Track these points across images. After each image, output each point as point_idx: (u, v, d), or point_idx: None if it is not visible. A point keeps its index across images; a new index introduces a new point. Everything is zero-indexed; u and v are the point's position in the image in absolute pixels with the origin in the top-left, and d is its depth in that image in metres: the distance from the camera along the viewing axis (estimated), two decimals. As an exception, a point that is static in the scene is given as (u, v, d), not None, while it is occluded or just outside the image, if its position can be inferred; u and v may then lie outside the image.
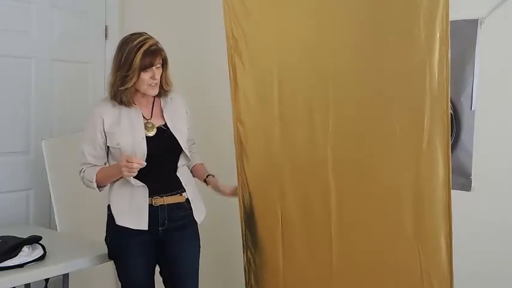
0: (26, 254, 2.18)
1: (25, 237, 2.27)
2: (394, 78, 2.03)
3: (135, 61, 2.15)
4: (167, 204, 2.27)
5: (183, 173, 2.35)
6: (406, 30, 1.98)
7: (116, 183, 2.28)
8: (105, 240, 2.35)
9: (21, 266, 2.12)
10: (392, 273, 2.13)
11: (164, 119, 2.32)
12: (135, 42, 2.17)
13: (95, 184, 2.26)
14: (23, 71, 3.17)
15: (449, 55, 1.90)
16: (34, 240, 2.26)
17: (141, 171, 2.16)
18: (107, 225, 2.33)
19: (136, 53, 2.15)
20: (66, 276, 2.40)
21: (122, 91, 2.20)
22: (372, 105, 2.10)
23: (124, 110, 2.26)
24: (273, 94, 2.36)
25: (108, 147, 2.29)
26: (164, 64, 2.25)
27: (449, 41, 1.89)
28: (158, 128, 2.29)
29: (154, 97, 2.31)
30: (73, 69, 3.41)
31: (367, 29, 2.09)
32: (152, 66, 2.19)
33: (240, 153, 2.49)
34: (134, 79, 2.17)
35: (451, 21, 1.90)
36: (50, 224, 3.14)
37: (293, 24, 2.28)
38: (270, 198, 2.43)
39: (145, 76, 2.19)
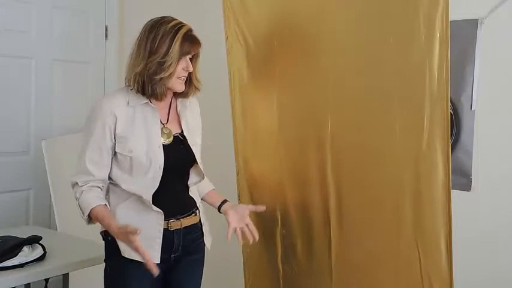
0: (26, 254, 2.17)
1: (25, 237, 2.26)
2: (394, 78, 2.03)
3: (175, 45, 1.83)
4: (183, 228, 1.95)
5: (195, 191, 2.05)
6: (406, 30, 1.97)
7: (122, 204, 1.90)
8: (105, 271, 1.97)
9: (21, 266, 2.12)
10: (392, 273, 2.12)
11: (181, 127, 1.97)
12: (171, 24, 1.86)
13: (87, 217, 1.85)
14: (23, 71, 3.17)
15: (449, 55, 1.90)
16: (34, 240, 2.26)
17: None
18: (107, 254, 1.96)
19: (175, 35, 1.84)
20: (66, 276, 2.40)
21: (156, 81, 1.83)
22: (372, 105, 2.10)
23: (139, 110, 1.89)
24: (273, 94, 2.36)
25: (114, 153, 1.90)
26: (196, 57, 1.94)
27: (449, 41, 1.89)
28: (175, 137, 1.94)
29: (172, 98, 1.98)
30: (73, 69, 3.41)
31: (367, 29, 2.09)
32: (189, 54, 1.88)
33: (240, 155, 2.49)
34: (173, 67, 1.83)
35: (451, 21, 1.90)
36: (50, 224, 3.14)
37: (293, 23, 2.28)
38: (270, 199, 2.43)
39: (178, 66, 1.86)
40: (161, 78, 1.83)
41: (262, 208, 2.11)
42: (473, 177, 2.30)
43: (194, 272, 2.05)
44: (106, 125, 1.85)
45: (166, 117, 1.96)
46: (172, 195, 1.92)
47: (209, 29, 2.87)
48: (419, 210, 2.02)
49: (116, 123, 1.85)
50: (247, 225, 2.02)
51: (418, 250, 2.03)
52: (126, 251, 1.84)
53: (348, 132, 2.18)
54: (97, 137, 1.86)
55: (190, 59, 1.90)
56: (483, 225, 2.32)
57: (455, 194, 1.98)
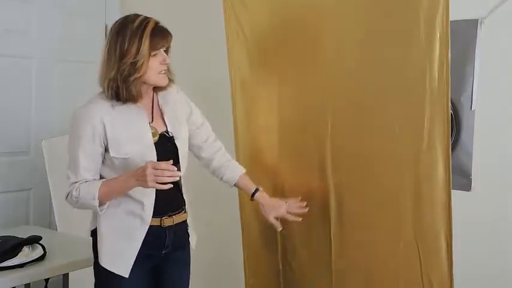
0: (26, 254, 2.18)
1: (25, 237, 2.26)
2: (394, 78, 2.03)
3: (145, 43, 1.81)
4: (175, 224, 1.97)
5: (184, 190, 2.05)
6: (406, 30, 1.98)
7: (112, 210, 1.91)
8: (94, 266, 2.01)
9: (21, 266, 2.12)
10: (392, 273, 2.13)
11: (165, 123, 1.97)
12: (137, 22, 1.84)
13: (97, 201, 1.85)
14: (23, 71, 3.17)
15: (449, 55, 1.90)
16: (34, 240, 2.26)
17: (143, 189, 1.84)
18: (94, 250, 2.00)
19: (143, 33, 1.82)
20: (66, 276, 2.40)
21: (131, 82, 1.82)
22: (372, 106, 2.10)
23: (124, 111, 1.89)
24: (273, 94, 2.36)
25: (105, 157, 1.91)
26: (169, 47, 1.94)
27: (449, 41, 1.89)
28: (161, 135, 1.94)
29: (153, 95, 1.97)
30: (73, 69, 3.40)
31: (367, 28, 2.10)
32: (163, 47, 1.88)
33: (240, 155, 2.49)
34: (145, 65, 1.82)
35: (451, 21, 1.90)
36: (50, 224, 3.14)
37: (293, 23, 2.28)
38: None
39: (155, 62, 1.85)
40: (135, 78, 1.83)
41: (303, 209, 2.14)
42: (473, 177, 2.30)
43: (184, 270, 2.08)
44: (96, 132, 1.86)
45: (151, 115, 1.96)
46: (165, 193, 1.88)
47: (210, 28, 2.88)
48: (420, 210, 2.02)
49: (105, 129, 1.86)
50: (288, 212, 2.13)
51: (418, 250, 2.03)
52: (105, 259, 1.93)
53: (348, 132, 2.18)
54: (89, 145, 1.88)
55: (165, 51, 1.91)
56: (483, 225, 2.32)
57: (455, 194, 1.98)
